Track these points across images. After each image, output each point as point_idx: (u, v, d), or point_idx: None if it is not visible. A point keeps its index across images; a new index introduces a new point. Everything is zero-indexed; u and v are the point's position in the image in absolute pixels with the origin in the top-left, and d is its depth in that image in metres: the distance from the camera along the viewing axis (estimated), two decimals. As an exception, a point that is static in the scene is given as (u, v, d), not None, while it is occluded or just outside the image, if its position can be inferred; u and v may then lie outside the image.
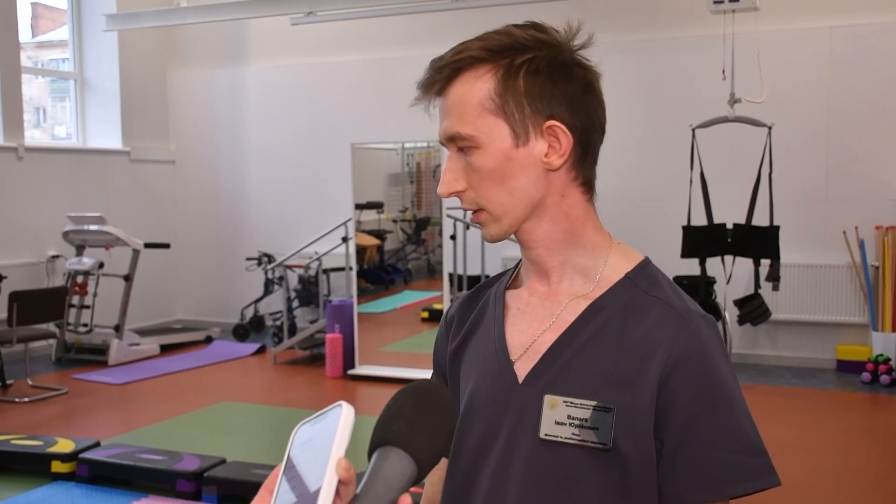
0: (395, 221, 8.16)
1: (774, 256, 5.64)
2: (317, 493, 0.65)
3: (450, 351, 1.21)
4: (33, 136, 8.57)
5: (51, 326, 6.79)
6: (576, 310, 1.09)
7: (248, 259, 8.29)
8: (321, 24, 7.34)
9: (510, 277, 1.20)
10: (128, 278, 7.41)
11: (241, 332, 8.12)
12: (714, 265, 5.94)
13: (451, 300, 1.30)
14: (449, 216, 6.92)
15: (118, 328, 7.29)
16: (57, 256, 7.61)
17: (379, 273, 7.88)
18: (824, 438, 5.08)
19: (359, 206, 7.04)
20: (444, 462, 1.16)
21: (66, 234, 7.38)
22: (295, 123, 8.45)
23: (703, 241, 5.75)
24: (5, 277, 6.79)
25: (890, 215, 6.50)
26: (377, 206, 7.77)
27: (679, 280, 6.03)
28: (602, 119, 1.10)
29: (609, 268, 1.10)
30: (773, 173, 5.66)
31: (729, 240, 5.70)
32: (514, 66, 1.04)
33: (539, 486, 1.05)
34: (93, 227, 7.23)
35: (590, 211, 1.11)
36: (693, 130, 5.73)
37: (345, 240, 7.26)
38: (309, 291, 8.00)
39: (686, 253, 5.77)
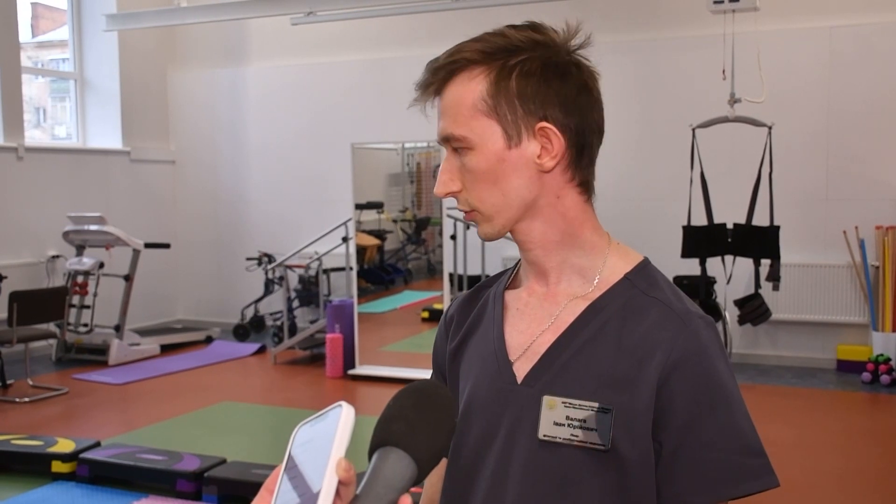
0: (395, 221, 8.16)
1: (775, 256, 5.64)
2: (317, 493, 0.65)
3: (449, 350, 1.21)
4: (33, 136, 8.57)
5: (51, 326, 6.79)
6: (575, 311, 1.09)
7: (249, 259, 8.29)
8: (321, 24, 7.35)
9: (509, 277, 1.20)
10: (128, 278, 7.41)
11: (241, 332, 8.13)
12: (714, 265, 5.94)
13: (452, 300, 1.30)
14: (449, 216, 6.92)
15: (118, 328, 7.29)
16: (57, 256, 7.62)
17: (379, 273, 7.89)
18: (824, 438, 5.08)
19: (359, 206, 7.05)
20: (443, 462, 1.16)
21: (66, 234, 7.38)
22: (295, 123, 8.45)
23: (703, 241, 5.75)
24: (5, 277, 6.79)
25: (890, 215, 6.50)
26: (377, 206, 7.77)
27: (679, 280, 6.03)
28: (599, 120, 1.09)
29: (608, 268, 1.10)
30: (774, 173, 5.67)
31: (729, 240, 5.70)
32: (508, 67, 1.04)
33: (538, 486, 1.05)
34: (93, 227, 7.23)
35: (587, 212, 1.11)
36: (693, 130, 5.73)
37: (345, 240, 7.26)
38: (309, 291, 8.00)
39: (686, 253, 5.77)
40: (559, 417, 1.04)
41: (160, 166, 8.88)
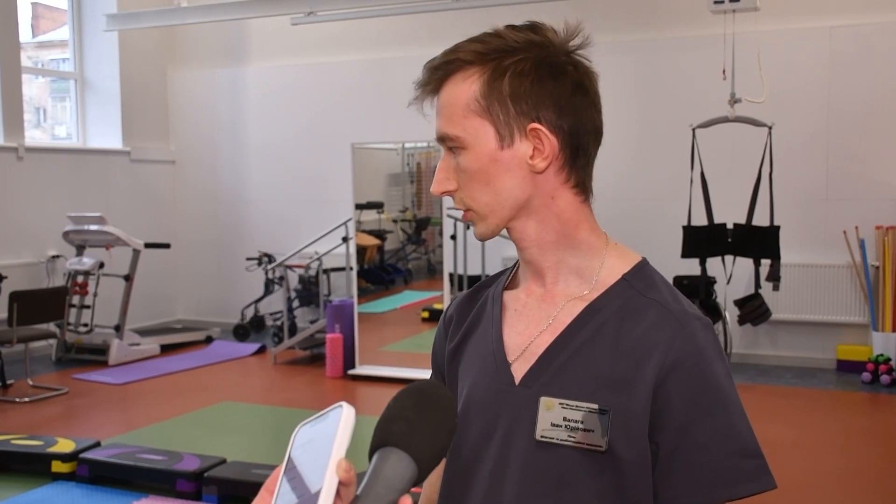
0: (395, 221, 8.16)
1: (775, 256, 5.64)
2: (317, 494, 0.65)
3: (448, 350, 1.21)
4: (33, 136, 8.57)
5: (51, 326, 6.79)
6: (572, 311, 1.09)
7: (249, 259, 8.29)
8: (321, 24, 7.35)
9: (508, 278, 1.20)
10: (128, 278, 7.41)
11: (241, 332, 8.13)
12: (714, 265, 5.94)
13: (451, 300, 1.30)
14: (449, 216, 6.92)
15: (118, 328, 7.29)
16: (57, 256, 7.62)
17: (379, 273, 7.89)
18: (824, 438, 5.08)
19: (359, 206, 7.05)
20: (443, 462, 1.16)
21: (66, 234, 7.38)
22: (295, 123, 8.45)
23: (703, 241, 5.75)
24: (5, 277, 6.79)
25: (890, 215, 6.50)
26: (377, 206, 7.78)
27: (679, 280, 6.03)
28: (596, 121, 1.09)
29: (605, 269, 1.10)
30: (774, 173, 5.67)
31: (729, 240, 5.70)
32: (501, 68, 1.04)
33: (535, 487, 1.05)
34: (93, 227, 7.24)
35: (583, 212, 1.11)
36: (693, 130, 5.73)
37: (345, 240, 7.26)
38: (309, 291, 8.00)
39: (686, 253, 5.77)
40: (556, 418, 1.04)
41: (160, 166, 8.89)
